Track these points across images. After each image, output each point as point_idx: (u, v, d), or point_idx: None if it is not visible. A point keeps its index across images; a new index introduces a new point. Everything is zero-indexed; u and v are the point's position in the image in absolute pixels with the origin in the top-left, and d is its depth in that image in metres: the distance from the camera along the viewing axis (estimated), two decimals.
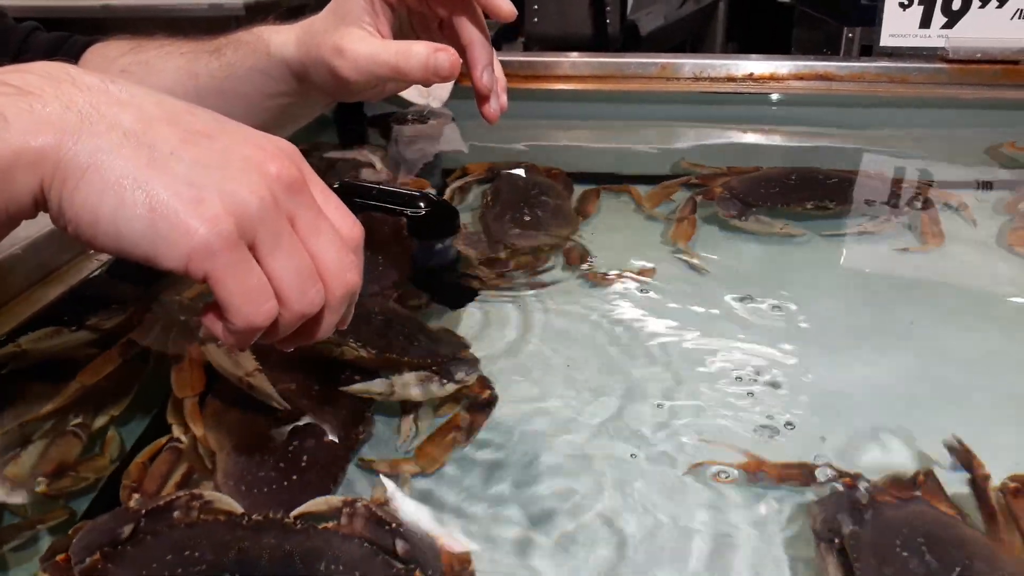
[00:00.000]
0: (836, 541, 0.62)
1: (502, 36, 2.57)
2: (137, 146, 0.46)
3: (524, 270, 1.07)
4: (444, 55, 0.72)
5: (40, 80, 0.46)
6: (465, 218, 1.19)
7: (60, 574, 0.57)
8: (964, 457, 0.72)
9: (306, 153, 0.55)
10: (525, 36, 2.58)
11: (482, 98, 0.78)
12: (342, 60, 0.74)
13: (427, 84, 0.75)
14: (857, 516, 0.63)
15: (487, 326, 0.95)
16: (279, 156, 0.50)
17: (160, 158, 0.46)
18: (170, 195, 0.45)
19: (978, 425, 0.80)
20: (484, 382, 0.82)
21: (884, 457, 0.77)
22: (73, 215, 0.46)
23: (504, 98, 0.80)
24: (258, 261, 0.48)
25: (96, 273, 0.87)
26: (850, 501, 0.65)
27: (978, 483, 0.69)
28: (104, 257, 0.88)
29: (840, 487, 0.69)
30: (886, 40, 1.62)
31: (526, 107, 1.63)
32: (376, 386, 0.76)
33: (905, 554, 0.59)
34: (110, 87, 0.48)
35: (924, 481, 0.69)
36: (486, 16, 0.78)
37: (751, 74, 1.58)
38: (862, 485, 0.68)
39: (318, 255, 0.51)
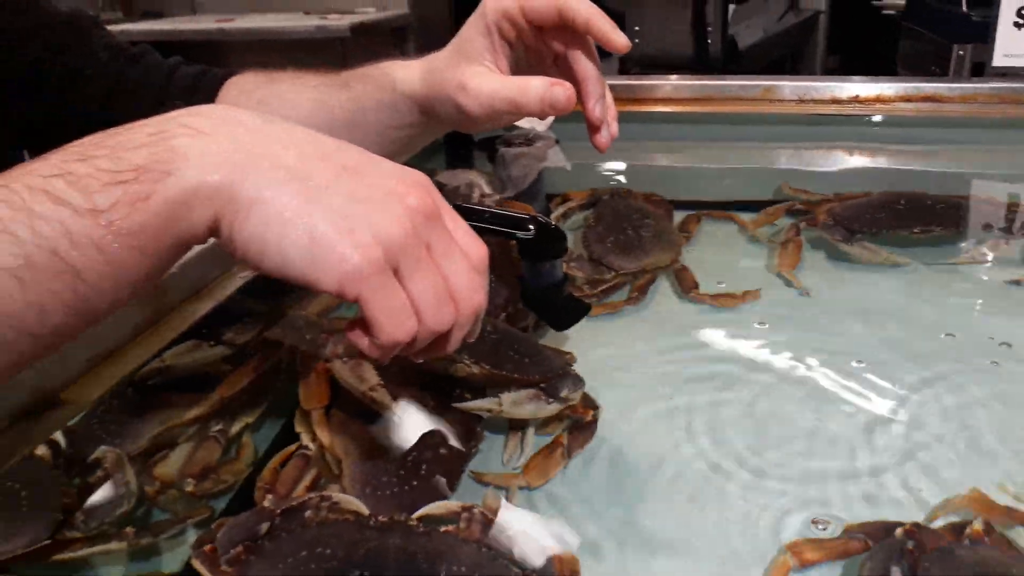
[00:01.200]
0: None
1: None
2: (297, 181, 0.52)
3: (628, 292, 1.10)
4: (560, 89, 0.77)
5: (213, 123, 0.53)
6: (568, 242, 1.22)
7: (209, 561, 0.63)
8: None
9: None
10: (623, 58, 2.61)
11: (594, 128, 0.83)
12: (466, 96, 0.80)
13: (543, 117, 0.79)
14: (911, 563, 0.62)
15: (592, 347, 0.99)
16: (417, 188, 0.56)
17: (317, 192, 0.52)
18: (327, 226, 0.51)
19: None
20: (588, 401, 0.86)
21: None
22: (242, 243, 0.52)
23: (615, 127, 0.85)
24: (400, 283, 0.54)
25: (238, 291, 0.95)
26: (901, 549, 0.64)
27: None
28: (246, 275, 0.96)
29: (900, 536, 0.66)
30: (999, 60, 1.59)
31: (627, 129, 1.65)
32: (486, 403, 0.80)
33: None
34: (271, 128, 0.54)
35: (983, 530, 0.67)
36: (599, 47, 0.82)
37: (856, 96, 1.57)
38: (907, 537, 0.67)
39: (450, 278, 0.57)
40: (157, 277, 0.55)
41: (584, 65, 0.82)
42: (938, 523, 0.71)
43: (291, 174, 0.52)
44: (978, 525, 0.67)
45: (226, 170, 0.51)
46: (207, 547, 0.64)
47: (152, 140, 0.51)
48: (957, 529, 0.68)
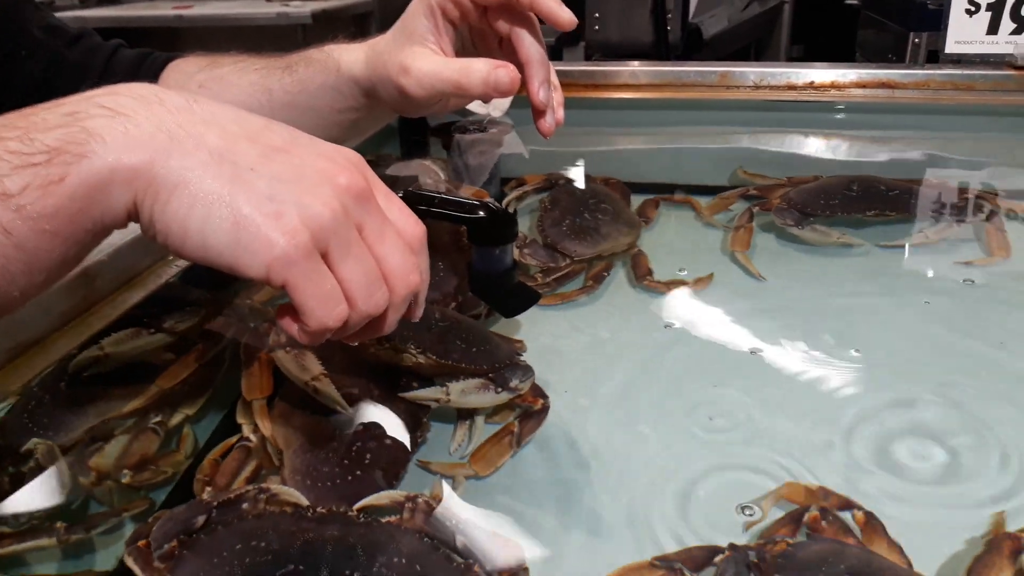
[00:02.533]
0: None
1: (563, 43, 2.60)
2: (221, 163, 0.50)
3: (584, 280, 1.09)
4: (503, 71, 0.75)
5: (132, 102, 0.51)
6: (523, 227, 1.21)
7: (142, 557, 0.61)
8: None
9: (372, 163, 0.59)
10: (586, 44, 2.60)
11: (538, 113, 0.82)
12: (408, 78, 0.78)
13: (487, 99, 0.78)
14: (770, 561, 0.62)
15: (543, 334, 0.98)
16: (348, 168, 0.54)
17: (242, 174, 0.50)
18: (252, 209, 0.50)
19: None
20: (538, 390, 0.85)
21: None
22: (164, 227, 0.50)
23: (560, 113, 0.83)
24: (330, 267, 0.53)
25: (174, 278, 0.92)
26: (746, 564, 0.62)
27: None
28: (182, 262, 0.94)
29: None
30: (951, 47, 1.60)
31: (586, 115, 1.65)
32: (432, 393, 0.79)
33: None
34: (194, 107, 0.52)
35: (818, 519, 0.68)
36: (544, 24, 0.81)
37: (812, 82, 1.58)
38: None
39: (383, 259, 0.55)
40: (75, 263, 0.53)
41: (529, 47, 0.80)
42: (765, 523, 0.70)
43: (215, 155, 0.50)
44: (815, 512, 0.68)
45: (146, 152, 0.49)
46: (140, 543, 0.62)
47: (67, 121, 0.49)
48: (795, 519, 0.69)
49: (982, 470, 0.77)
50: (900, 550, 0.65)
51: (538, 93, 0.80)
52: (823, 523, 0.67)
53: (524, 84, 0.81)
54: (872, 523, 0.68)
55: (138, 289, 0.89)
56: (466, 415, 0.83)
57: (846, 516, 0.69)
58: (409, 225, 0.58)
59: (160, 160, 0.49)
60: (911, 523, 0.71)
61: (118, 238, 0.86)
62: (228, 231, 0.49)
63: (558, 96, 0.84)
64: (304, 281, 0.51)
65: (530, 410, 0.83)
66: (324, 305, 0.52)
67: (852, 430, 0.83)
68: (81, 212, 0.49)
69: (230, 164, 0.50)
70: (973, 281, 1.08)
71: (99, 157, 0.48)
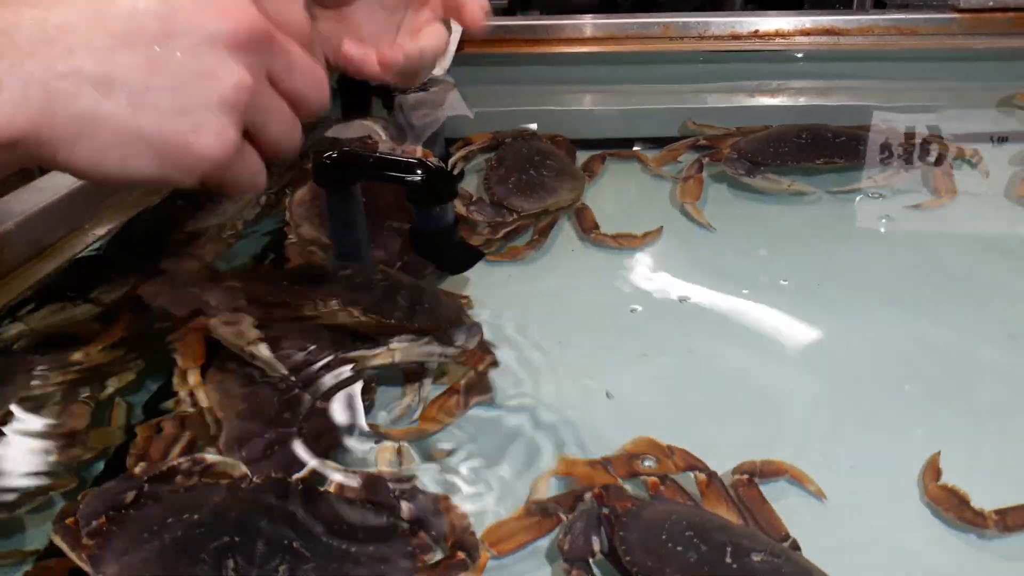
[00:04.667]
0: (591, 560, 0.60)
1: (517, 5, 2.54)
2: (111, 93, 0.45)
3: (531, 235, 1.07)
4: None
5: None
6: (470, 185, 1.19)
7: (70, 536, 0.57)
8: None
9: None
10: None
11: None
12: None
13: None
14: (608, 530, 0.62)
15: (490, 291, 0.96)
16: (234, 10, 0.49)
17: (139, 98, 0.46)
18: (168, 133, 0.47)
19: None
20: (485, 347, 0.82)
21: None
22: (83, 173, 0.47)
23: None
24: (254, 134, 0.51)
25: (95, 246, 0.88)
26: (598, 517, 0.63)
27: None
28: (100, 231, 0.89)
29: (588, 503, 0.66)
30: None
31: (529, 72, 1.62)
32: (377, 352, 0.76)
33: (679, 548, 0.58)
34: (49, 31, 0.44)
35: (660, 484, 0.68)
36: None
37: (756, 31, 1.56)
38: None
39: (297, 90, 0.53)
40: None
41: None
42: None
43: (101, 87, 0.45)
44: (654, 477, 0.68)
45: (23, 119, 0.43)
46: (68, 520, 0.59)
47: None
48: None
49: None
50: (738, 510, 0.66)
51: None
52: (662, 487, 0.68)
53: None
54: (713, 484, 0.68)
55: (50, 260, 0.84)
56: (414, 377, 0.81)
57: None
58: (296, 22, 0.55)
59: (46, 118, 0.44)
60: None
61: (28, 207, 0.81)
62: (151, 163, 0.47)
63: None
64: (237, 172, 0.50)
65: (478, 368, 0.80)
66: (252, 184, 0.53)
67: (801, 376, 0.82)
68: None
69: (123, 91, 0.45)
70: (922, 224, 1.08)
71: None
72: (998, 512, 0.65)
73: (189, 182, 0.49)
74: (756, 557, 0.57)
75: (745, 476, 0.69)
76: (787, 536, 0.63)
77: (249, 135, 0.51)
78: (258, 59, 0.50)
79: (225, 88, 0.47)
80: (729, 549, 0.57)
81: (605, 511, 0.63)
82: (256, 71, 0.49)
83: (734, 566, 0.56)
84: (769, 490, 0.68)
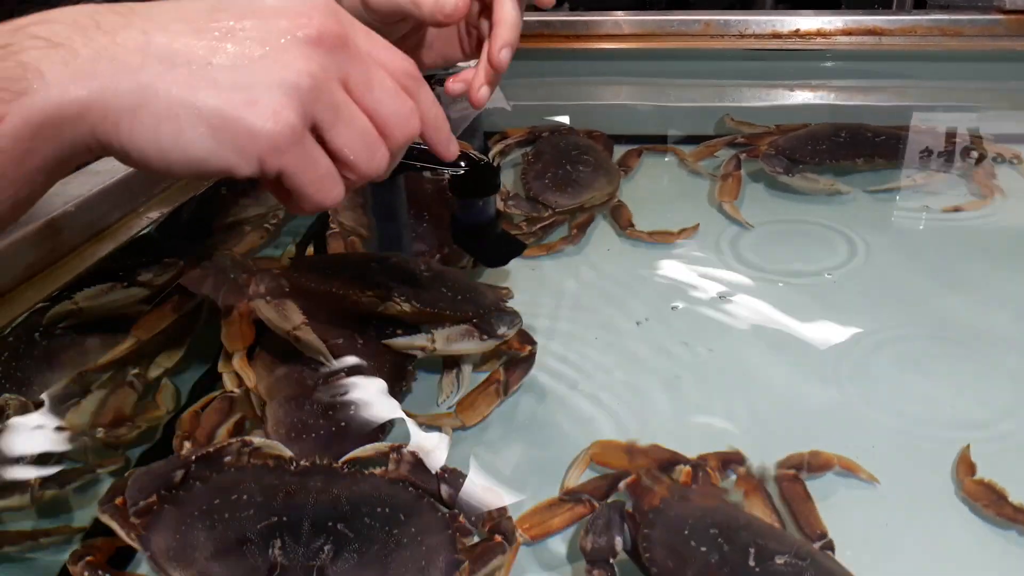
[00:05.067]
0: (612, 561, 0.59)
1: None
2: (174, 69, 0.46)
3: (568, 230, 1.08)
4: None
5: (67, 29, 0.46)
6: (507, 180, 1.19)
7: (118, 515, 0.59)
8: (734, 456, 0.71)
9: None
10: None
11: (487, 76, 0.76)
12: None
13: (434, 22, 0.74)
14: (632, 527, 0.61)
15: (529, 283, 0.96)
16: (312, 15, 0.49)
17: (200, 72, 0.46)
18: (223, 105, 0.46)
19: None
20: (525, 337, 0.83)
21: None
22: (139, 155, 0.47)
23: (504, 55, 0.77)
24: (321, 138, 0.50)
25: (146, 230, 0.90)
26: (620, 515, 0.61)
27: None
28: (153, 214, 0.91)
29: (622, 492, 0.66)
30: None
31: (569, 67, 1.62)
32: (417, 340, 0.77)
33: (703, 548, 0.57)
34: (133, 19, 0.47)
35: (694, 475, 0.68)
36: None
37: (797, 30, 1.55)
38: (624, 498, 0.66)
39: (377, 110, 0.51)
40: (27, 205, 0.49)
41: (506, 7, 0.76)
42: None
43: (166, 63, 0.46)
44: (688, 467, 0.68)
45: (92, 81, 0.45)
46: (117, 499, 0.60)
47: None
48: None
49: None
50: (774, 508, 0.65)
51: (498, 54, 0.75)
52: (694, 481, 0.67)
53: (488, 42, 0.77)
54: (750, 480, 0.67)
55: (108, 242, 0.86)
56: (452, 364, 0.82)
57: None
58: (397, 61, 0.54)
59: (110, 87, 0.45)
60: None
61: (85, 189, 0.83)
62: (206, 137, 0.46)
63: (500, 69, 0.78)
64: (298, 167, 0.49)
65: (517, 357, 0.81)
66: (321, 189, 0.50)
67: (838, 373, 0.82)
68: (30, 152, 0.45)
69: (184, 66, 0.46)
70: (961, 225, 1.07)
71: (39, 94, 0.44)
72: None
73: (246, 166, 0.48)
74: (780, 560, 0.56)
75: (791, 471, 0.68)
76: (824, 534, 0.62)
77: (319, 136, 0.50)
78: (332, 61, 0.49)
79: (288, 71, 0.47)
80: (752, 551, 0.56)
81: (629, 508, 0.62)
82: (327, 70, 0.49)
83: (757, 569, 0.55)
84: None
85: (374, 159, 0.52)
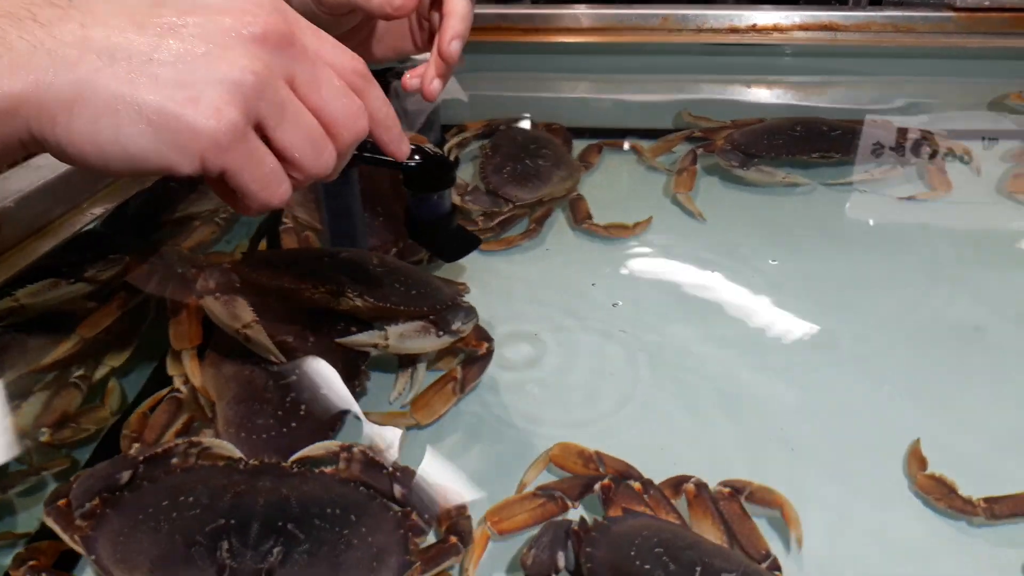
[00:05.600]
0: None
1: None
2: (114, 63, 0.45)
3: (527, 225, 1.07)
4: None
5: (2, 22, 0.45)
6: (465, 174, 1.19)
7: (62, 518, 0.57)
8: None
9: None
10: None
11: (438, 70, 0.77)
12: None
13: (383, 15, 0.74)
14: (576, 544, 0.59)
15: (487, 278, 0.96)
16: (258, 13, 0.48)
17: (140, 68, 0.45)
18: (164, 102, 0.45)
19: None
20: (482, 333, 0.82)
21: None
22: (76, 150, 0.46)
23: (454, 47, 0.77)
24: (266, 138, 0.49)
25: (91, 226, 0.88)
26: (567, 531, 0.60)
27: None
28: (97, 210, 0.89)
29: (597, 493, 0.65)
30: None
31: (526, 60, 1.61)
32: (370, 337, 0.76)
33: (647, 567, 0.56)
34: (70, 12, 0.46)
35: (644, 490, 0.66)
36: None
37: (754, 25, 1.55)
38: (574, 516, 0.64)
39: (323, 109, 0.51)
40: None
41: (456, 1, 0.75)
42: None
43: (105, 57, 0.45)
44: (638, 483, 0.66)
45: (27, 75, 0.44)
46: (60, 502, 0.59)
47: None
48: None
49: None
50: (724, 527, 0.64)
51: (448, 45, 0.75)
52: (646, 495, 0.66)
53: (438, 34, 0.77)
54: (700, 495, 0.66)
55: (50, 238, 0.84)
56: (407, 362, 0.81)
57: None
58: (345, 59, 0.53)
59: (45, 81, 0.44)
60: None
61: (26, 184, 0.81)
62: (146, 134, 0.45)
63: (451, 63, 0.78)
64: (242, 164, 0.47)
65: (473, 354, 0.80)
66: (267, 187, 0.49)
67: (790, 369, 0.83)
68: None
69: (124, 61, 0.45)
70: (914, 218, 1.08)
71: None
72: (987, 500, 0.66)
73: (187, 164, 0.46)
74: None
75: (728, 489, 0.66)
76: (768, 554, 0.61)
77: (264, 135, 0.49)
78: (277, 59, 0.48)
79: (231, 68, 0.46)
80: (699, 569, 0.55)
81: (575, 526, 0.61)
82: (272, 68, 0.48)
83: None
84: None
85: (320, 158, 0.51)
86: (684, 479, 0.67)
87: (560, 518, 0.64)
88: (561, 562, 0.59)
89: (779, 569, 0.61)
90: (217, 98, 0.46)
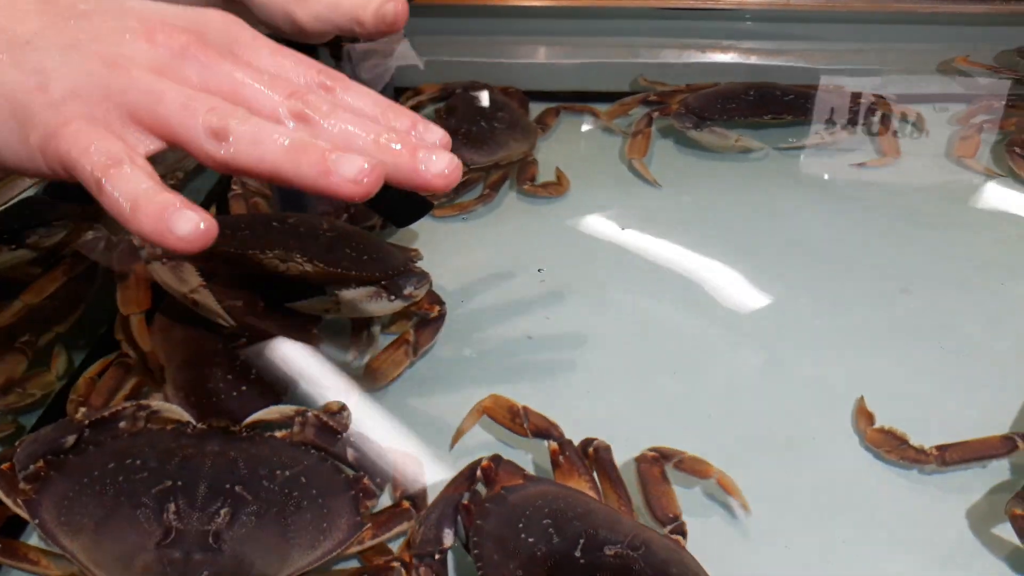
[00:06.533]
0: (437, 556, 0.56)
1: None
2: None
3: (481, 189, 1.07)
4: (391, 4, 0.69)
5: None
6: None
7: (5, 480, 0.57)
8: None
9: None
10: None
11: None
12: (302, 9, 0.71)
13: (374, 36, 0.72)
14: (466, 520, 0.57)
15: (440, 243, 0.95)
16: (164, 27, 0.45)
17: (14, 50, 0.43)
18: (14, 88, 0.43)
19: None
20: (434, 297, 0.82)
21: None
22: None
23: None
24: (149, 124, 0.44)
25: (31, 190, 0.86)
26: (453, 508, 0.58)
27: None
28: (26, 181, 0.87)
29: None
30: None
31: (482, 24, 1.60)
32: (322, 302, 0.76)
33: (531, 540, 0.54)
34: None
35: (560, 451, 0.65)
36: None
37: None
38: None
39: (237, 92, 0.45)
40: None
41: None
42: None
43: None
44: (555, 444, 0.65)
45: None
46: (3, 465, 0.58)
47: None
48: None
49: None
50: (623, 486, 0.63)
51: None
52: (561, 457, 0.64)
53: None
54: (599, 457, 0.65)
55: None
56: (360, 326, 0.81)
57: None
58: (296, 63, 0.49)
59: None
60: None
61: None
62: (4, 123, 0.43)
63: None
64: (78, 155, 0.42)
65: (426, 318, 0.80)
66: (135, 193, 0.41)
67: (738, 333, 0.84)
68: None
69: (4, 42, 0.43)
70: (865, 182, 1.10)
71: None
72: (938, 448, 0.68)
73: (29, 160, 0.44)
74: (610, 551, 0.53)
75: (653, 453, 0.65)
76: (676, 517, 0.60)
77: (148, 124, 0.44)
78: (179, 64, 0.45)
79: (97, 60, 0.43)
80: (582, 541, 0.54)
81: (465, 500, 0.58)
82: (153, 63, 0.44)
83: (581, 560, 0.53)
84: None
85: (202, 117, 0.43)
86: (589, 442, 0.66)
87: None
88: (448, 539, 0.57)
89: (683, 534, 0.59)
90: (67, 86, 0.42)
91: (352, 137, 0.45)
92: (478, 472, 0.62)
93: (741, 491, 0.64)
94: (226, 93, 0.44)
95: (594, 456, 0.65)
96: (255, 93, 0.45)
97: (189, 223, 0.41)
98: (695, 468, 0.65)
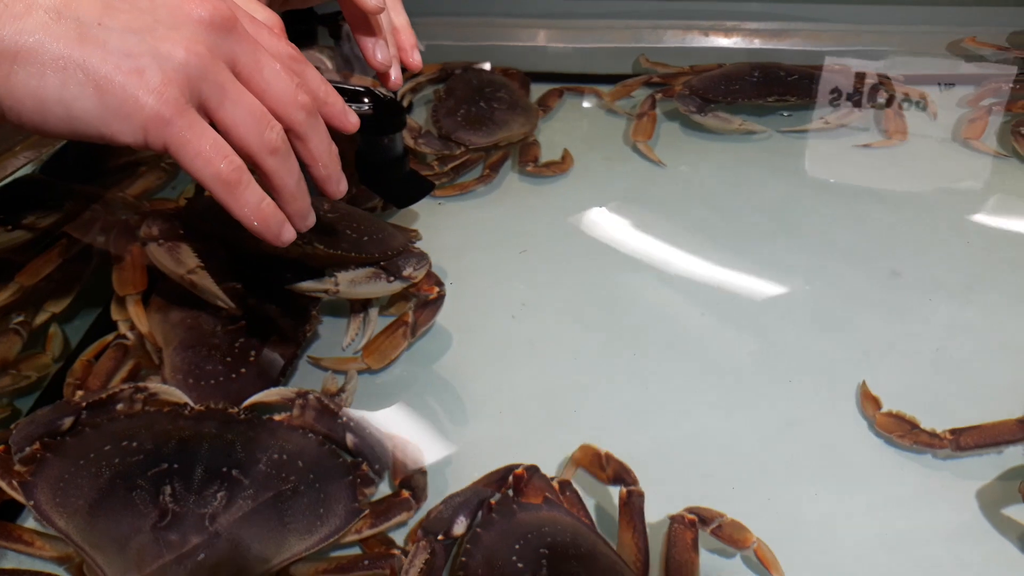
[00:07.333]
0: (440, 538, 0.56)
1: None
2: (61, 21, 0.45)
3: (481, 170, 1.05)
4: None
5: None
6: (419, 118, 1.17)
7: (1, 464, 0.56)
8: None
9: None
10: None
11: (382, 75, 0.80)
12: None
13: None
14: (483, 516, 0.57)
15: (440, 224, 0.94)
16: (205, 4, 0.50)
17: (89, 31, 0.46)
18: (111, 70, 0.45)
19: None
20: (434, 278, 0.81)
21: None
22: (15, 103, 0.45)
23: (417, 56, 0.83)
24: (210, 116, 0.50)
25: (25, 171, 0.85)
26: (480, 501, 0.58)
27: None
28: (29, 154, 0.86)
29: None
30: None
31: (482, 4, 1.58)
32: (320, 284, 0.75)
33: (520, 566, 0.53)
34: None
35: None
36: None
37: None
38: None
39: (265, 91, 0.52)
40: None
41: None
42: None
43: (52, 14, 0.45)
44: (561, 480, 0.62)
45: None
46: None
47: None
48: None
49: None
50: (644, 538, 0.59)
51: (411, 57, 0.83)
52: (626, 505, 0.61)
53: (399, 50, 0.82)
54: (630, 503, 0.61)
55: None
56: (359, 307, 0.80)
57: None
58: (282, 47, 0.55)
59: None
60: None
61: None
62: (92, 97, 0.45)
63: (406, 44, 0.82)
64: (183, 140, 0.48)
65: (425, 299, 0.79)
66: (210, 162, 0.49)
67: (741, 320, 0.83)
68: None
69: (72, 21, 0.45)
70: (871, 164, 1.08)
71: None
72: (952, 432, 0.67)
73: (130, 134, 0.47)
74: None
75: (692, 516, 0.59)
76: None
77: (207, 111, 0.50)
78: (220, 40, 0.50)
79: (175, 47, 0.47)
80: None
81: (493, 500, 0.58)
82: (215, 51, 0.49)
83: None
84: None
85: (265, 136, 0.52)
86: (622, 478, 0.62)
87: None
88: (459, 528, 0.57)
89: None
90: (160, 73, 0.46)
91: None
92: (510, 477, 0.61)
93: (780, 566, 0.59)
94: (248, 73, 0.52)
95: (625, 499, 0.61)
96: (271, 74, 0.53)
97: (290, 233, 0.58)
98: (733, 536, 0.59)
